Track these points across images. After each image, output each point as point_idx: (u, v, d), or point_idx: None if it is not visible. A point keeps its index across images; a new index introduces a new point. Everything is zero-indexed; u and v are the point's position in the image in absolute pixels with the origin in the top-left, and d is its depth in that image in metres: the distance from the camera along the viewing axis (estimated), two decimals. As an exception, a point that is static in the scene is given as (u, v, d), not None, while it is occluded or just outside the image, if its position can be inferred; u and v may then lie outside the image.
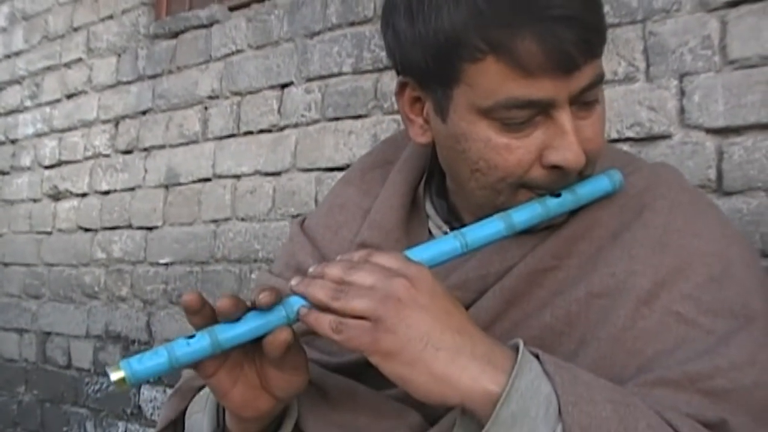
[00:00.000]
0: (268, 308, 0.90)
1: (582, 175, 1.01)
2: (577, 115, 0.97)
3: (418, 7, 0.96)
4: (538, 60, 0.91)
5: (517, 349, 0.86)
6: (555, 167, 0.97)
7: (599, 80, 0.99)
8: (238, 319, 0.91)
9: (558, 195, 1.01)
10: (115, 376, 0.87)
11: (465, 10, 0.92)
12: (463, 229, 0.99)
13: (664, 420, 0.85)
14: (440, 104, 1.00)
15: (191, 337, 0.90)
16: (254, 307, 0.92)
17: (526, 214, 1.00)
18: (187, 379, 1.16)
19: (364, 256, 0.92)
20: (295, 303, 0.91)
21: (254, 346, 0.93)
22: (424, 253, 0.96)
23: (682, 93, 2.05)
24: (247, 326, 0.90)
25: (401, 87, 1.06)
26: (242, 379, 0.95)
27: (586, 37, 0.93)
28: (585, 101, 0.98)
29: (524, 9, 0.90)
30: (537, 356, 0.87)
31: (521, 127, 0.96)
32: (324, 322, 0.87)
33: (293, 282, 0.91)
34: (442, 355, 0.84)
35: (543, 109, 0.95)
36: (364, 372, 1.02)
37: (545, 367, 0.85)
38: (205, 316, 0.92)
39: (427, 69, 0.98)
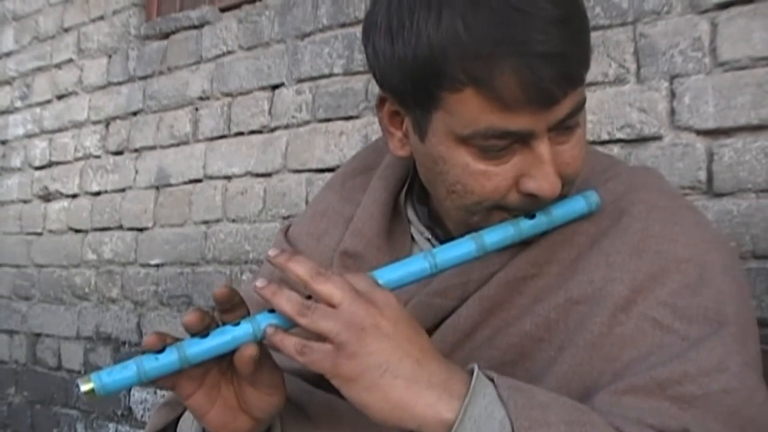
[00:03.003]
0: (235, 325, 0.92)
1: (559, 196, 1.00)
2: (556, 140, 0.96)
3: (398, 29, 0.94)
4: (517, 95, 0.89)
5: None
6: (531, 194, 0.97)
7: (580, 107, 0.97)
8: (206, 335, 0.92)
9: (532, 216, 1.00)
10: (84, 387, 0.91)
11: (445, 37, 0.89)
12: (434, 250, 0.99)
13: None
14: (419, 124, 0.99)
15: (160, 351, 0.91)
16: (223, 323, 0.93)
17: (498, 235, 0.99)
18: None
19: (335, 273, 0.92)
20: (262, 320, 0.91)
21: (231, 366, 0.94)
22: (392, 273, 0.96)
23: (672, 95, 2.06)
24: (214, 342, 0.91)
25: (381, 101, 1.05)
26: (220, 401, 0.96)
27: (567, 72, 0.91)
28: (565, 126, 0.96)
29: (505, 42, 0.88)
30: (493, 380, 0.88)
31: (499, 155, 0.95)
32: (289, 344, 0.88)
33: (258, 283, 0.91)
34: (399, 383, 0.85)
35: (521, 138, 0.94)
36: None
37: (500, 391, 0.86)
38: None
39: (406, 90, 0.97)
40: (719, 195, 1.97)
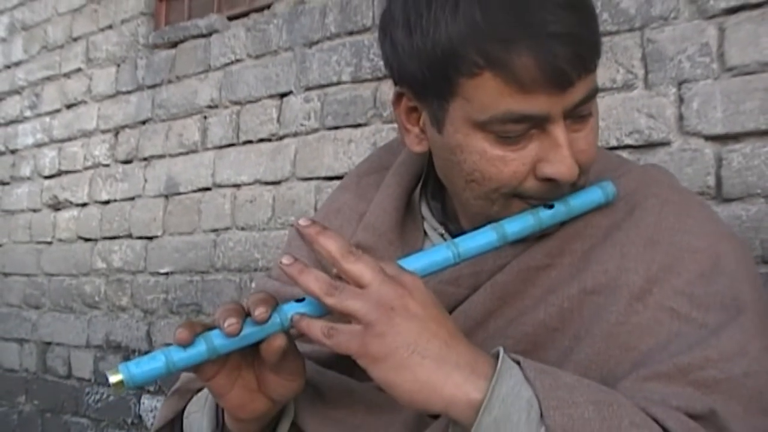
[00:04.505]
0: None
1: (575, 185, 1.02)
2: (571, 127, 0.98)
3: (416, 21, 0.96)
4: (534, 76, 0.91)
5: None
6: (548, 179, 0.98)
7: (593, 94, 0.99)
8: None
9: (551, 206, 1.02)
10: (113, 378, 0.90)
11: (462, 24, 0.92)
12: (456, 240, 1.00)
13: (650, 415, 0.86)
14: (436, 116, 1.01)
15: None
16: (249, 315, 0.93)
17: (518, 225, 1.01)
18: (185, 381, 1.17)
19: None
20: (288, 310, 0.92)
21: (252, 350, 0.95)
22: (416, 262, 0.97)
23: (680, 100, 2.06)
24: (242, 332, 0.91)
25: (398, 97, 1.07)
26: (239, 382, 0.97)
27: (581, 53, 0.93)
28: (579, 114, 0.99)
29: (521, 25, 0.91)
30: (519, 363, 0.88)
31: (516, 140, 0.97)
32: (316, 328, 0.88)
33: (285, 260, 0.91)
34: (427, 363, 0.86)
35: (538, 123, 0.96)
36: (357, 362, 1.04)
37: (526, 373, 0.87)
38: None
39: (424, 81, 0.99)
40: (728, 200, 1.96)
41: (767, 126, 1.91)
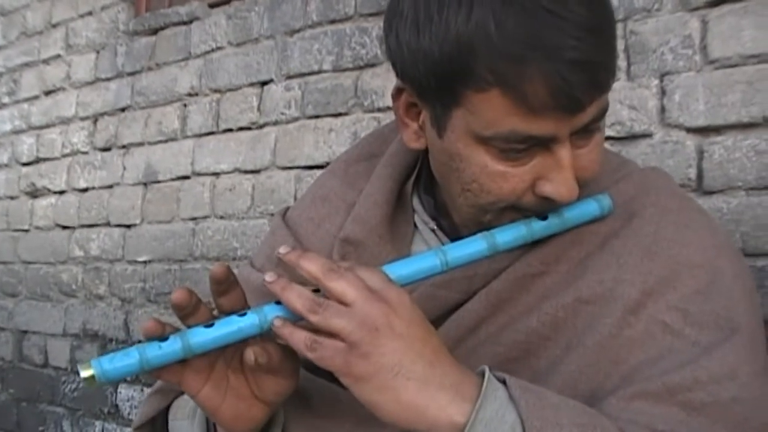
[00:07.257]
0: (241, 315, 0.90)
1: None
2: (576, 144, 0.95)
3: (425, 22, 0.92)
4: (545, 100, 0.88)
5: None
6: (547, 197, 0.96)
7: (603, 113, 0.96)
8: (211, 325, 0.90)
9: (545, 218, 1.00)
10: (84, 373, 0.88)
11: (475, 33, 0.88)
12: (445, 247, 0.98)
13: None
14: (437, 119, 0.98)
15: (163, 339, 0.89)
16: (219, 309, 0.92)
17: (510, 235, 0.99)
18: None
19: (348, 267, 0.90)
20: (269, 312, 0.90)
21: (238, 354, 0.93)
22: (403, 268, 0.95)
23: (662, 92, 2.06)
24: (219, 332, 0.89)
25: (398, 91, 1.03)
26: (231, 392, 0.95)
27: (596, 79, 0.90)
28: (586, 130, 0.95)
29: (537, 46, 0.86)
30: (504, 381, 0.87)
31: (518, 156, 0.94)
32: (298, 339, 0.86)
33: (268, 278, 0.89)
34: (411, 385, 0.84)
35: (543, 142, 0.93)
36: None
37: (511, 391, 0.86)
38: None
39: (428, 85, 0.95)
40: (709, 193, 1.96)
41: (749, 119, 1.91)
